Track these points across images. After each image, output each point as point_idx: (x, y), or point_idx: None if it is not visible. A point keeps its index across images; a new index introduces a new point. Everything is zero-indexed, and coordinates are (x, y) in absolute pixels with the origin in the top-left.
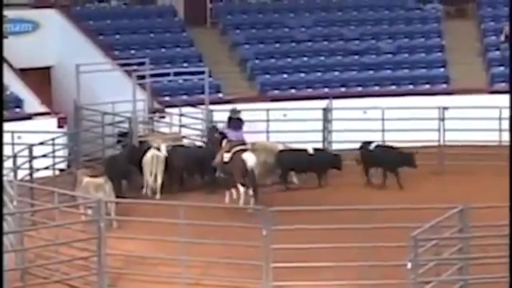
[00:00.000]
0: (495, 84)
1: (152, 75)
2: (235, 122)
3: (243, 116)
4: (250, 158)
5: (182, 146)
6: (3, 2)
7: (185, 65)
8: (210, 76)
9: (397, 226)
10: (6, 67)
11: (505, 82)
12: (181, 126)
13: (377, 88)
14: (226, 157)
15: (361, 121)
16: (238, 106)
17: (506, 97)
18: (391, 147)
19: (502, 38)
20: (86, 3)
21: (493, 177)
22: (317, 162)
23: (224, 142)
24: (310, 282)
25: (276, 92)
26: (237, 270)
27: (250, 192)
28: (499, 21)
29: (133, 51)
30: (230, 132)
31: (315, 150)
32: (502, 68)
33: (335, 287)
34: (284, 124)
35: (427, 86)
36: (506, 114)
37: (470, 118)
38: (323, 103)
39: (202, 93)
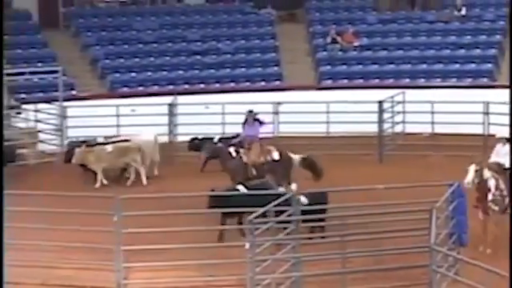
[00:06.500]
0: (323, 81)
1: (8, 74)
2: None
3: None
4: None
5: None
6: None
7: (39, 64)
8: (64, 75)
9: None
10: None
11: (331, 79)
12: (36, 121)
13: (217, 85)
14: (275, 155)
15: (203, 115)
16: (90, 103)
17: (333, 92)
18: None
19: (329, 39)
20: None
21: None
22: None
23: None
24: (156, 263)
25: (125, 89)
26: (90, 253)
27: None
28: (325, 24)
29: None
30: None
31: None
32: (328, 67)
33: (179, 267)
34: (133, 118)
35: (262, 83)
36: (332, 108)
37: (301, 111)
38: (169, 99)
39: (56, 90)
